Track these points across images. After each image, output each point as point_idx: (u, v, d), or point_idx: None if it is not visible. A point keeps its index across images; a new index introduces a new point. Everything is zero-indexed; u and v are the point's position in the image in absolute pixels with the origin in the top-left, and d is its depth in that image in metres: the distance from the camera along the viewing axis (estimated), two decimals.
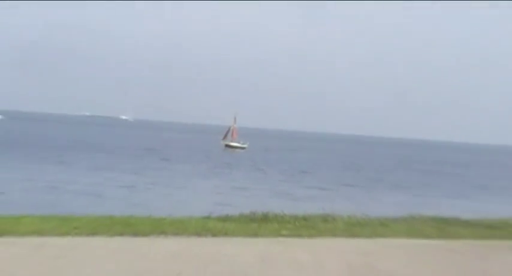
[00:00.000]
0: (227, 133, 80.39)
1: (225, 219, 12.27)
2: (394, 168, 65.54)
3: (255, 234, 10.90)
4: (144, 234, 10.59)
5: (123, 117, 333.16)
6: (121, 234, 10.48)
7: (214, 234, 10.70)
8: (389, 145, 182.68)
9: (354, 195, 34.83)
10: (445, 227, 12.45)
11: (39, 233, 10.00)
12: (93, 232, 10.47)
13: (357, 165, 65.05)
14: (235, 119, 79.66)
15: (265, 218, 12.31)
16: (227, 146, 77.93)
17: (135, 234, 10.55)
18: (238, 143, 79.48)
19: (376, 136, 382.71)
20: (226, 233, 10.85)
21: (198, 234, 10.81)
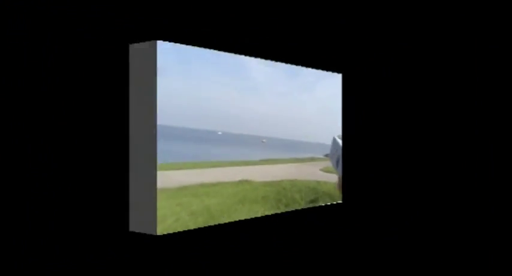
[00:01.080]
0: (262, 139, 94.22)
1: (260, 160, 20.09)
2: None
3: (270, 164, 18.75)
4: (231, 166, 18.25)
5: (219, 133, 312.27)
6: (231, 166, 18.27)
7: (256, 165, 18.51)
8: None
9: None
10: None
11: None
12: (213, 166, 18.13)
13: None
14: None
15: (268, 160, 20.30)
16: (262, 141, 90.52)
17: (229, 165, 18.35)
18: (264, 140, 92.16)
19: None
20: (259, 164, 18.63)
21: (251, 165, 18.58)
